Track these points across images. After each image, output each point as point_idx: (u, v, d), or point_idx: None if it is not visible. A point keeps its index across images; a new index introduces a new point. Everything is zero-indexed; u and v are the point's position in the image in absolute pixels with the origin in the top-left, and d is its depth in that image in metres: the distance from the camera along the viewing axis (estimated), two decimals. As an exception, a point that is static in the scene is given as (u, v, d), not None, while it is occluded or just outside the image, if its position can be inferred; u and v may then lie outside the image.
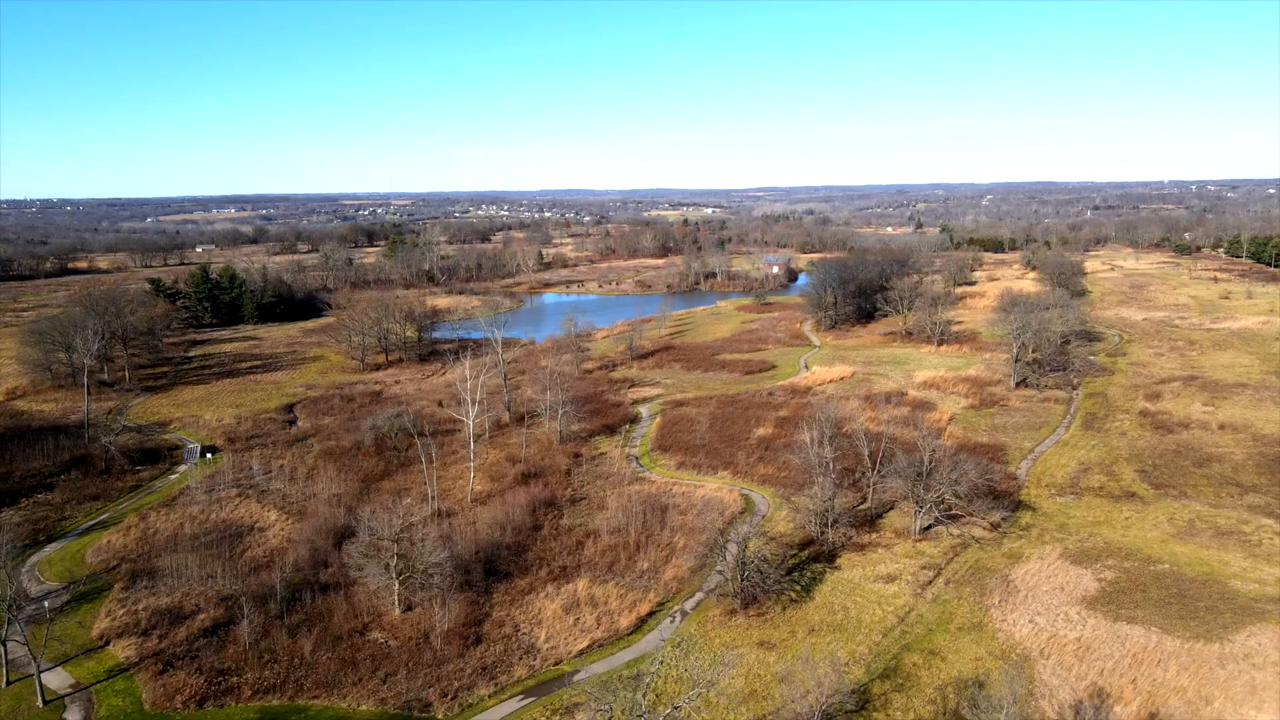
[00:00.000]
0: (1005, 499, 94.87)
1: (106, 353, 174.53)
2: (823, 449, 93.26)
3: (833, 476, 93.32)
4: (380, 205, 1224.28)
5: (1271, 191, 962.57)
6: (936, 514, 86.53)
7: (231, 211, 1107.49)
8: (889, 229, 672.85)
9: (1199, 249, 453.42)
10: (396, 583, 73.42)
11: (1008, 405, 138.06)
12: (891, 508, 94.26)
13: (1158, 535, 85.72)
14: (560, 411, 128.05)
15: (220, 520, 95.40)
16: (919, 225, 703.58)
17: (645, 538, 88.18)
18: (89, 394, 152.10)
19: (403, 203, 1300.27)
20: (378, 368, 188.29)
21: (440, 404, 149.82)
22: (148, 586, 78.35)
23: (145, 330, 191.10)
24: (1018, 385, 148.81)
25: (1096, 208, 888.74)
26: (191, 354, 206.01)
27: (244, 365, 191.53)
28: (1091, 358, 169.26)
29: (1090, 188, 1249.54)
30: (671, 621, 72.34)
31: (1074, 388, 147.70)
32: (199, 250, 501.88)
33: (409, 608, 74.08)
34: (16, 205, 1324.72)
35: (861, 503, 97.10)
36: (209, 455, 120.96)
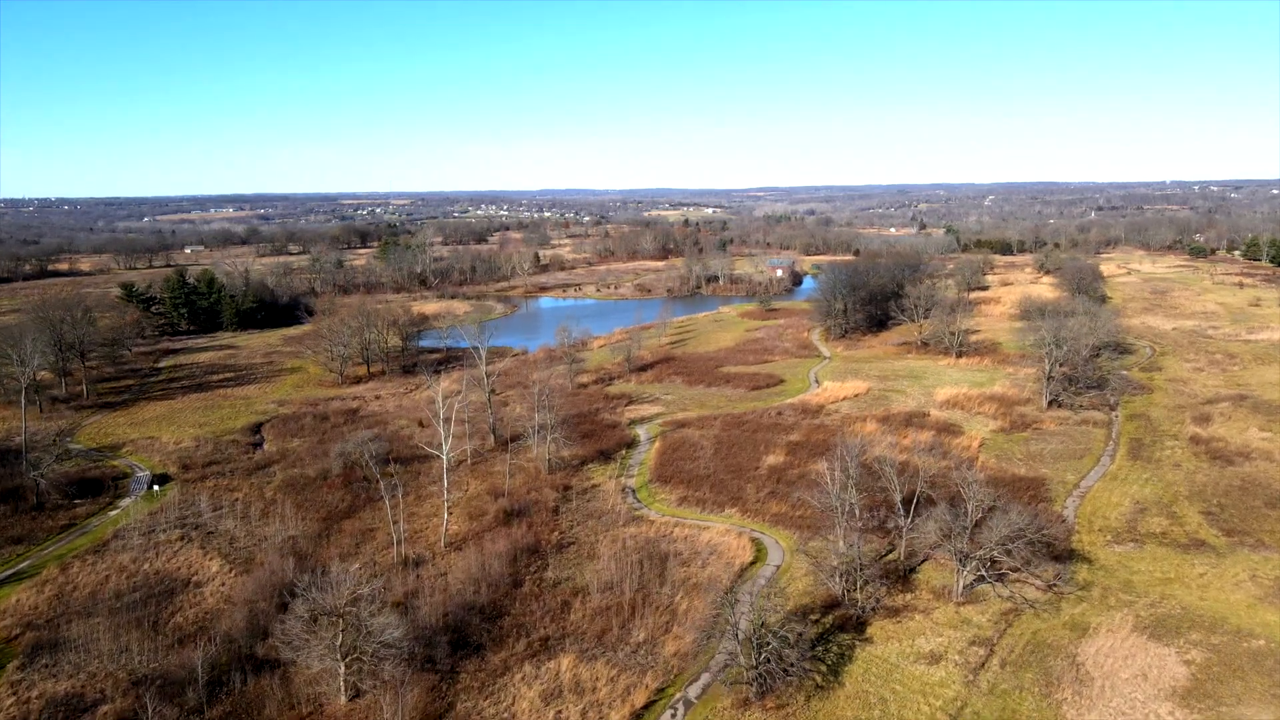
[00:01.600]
0: (1056, 547, 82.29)
1: (64, 366, 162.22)
2: (847, 492, 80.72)
3: (859, 523, 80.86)
4: (379, 205, 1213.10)
5: (1276, 192, 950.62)
6: (982, 571, 74.05)
7: (230, 211, 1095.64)
8: (892, 229, 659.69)
9: (1213, 251, 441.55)
10: (342, 665, 60.94)
11: (1041, 428, 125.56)
12: (925, 559, 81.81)
13: (1242, 598, 73.26)
14: (549, 437, 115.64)
15: (152, 573, 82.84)
16: (922, 226, 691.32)
17: (642, 598, 75.71)
18: (37, 412, 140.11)
19: (402, 202, 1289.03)
20: (358, 380, 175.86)
21: (421, 424, 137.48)
22: (48, 665, 65.85)
23: (106, 340, 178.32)
24: (1050, 405, 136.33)
25: (1100, 208, 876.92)
26: (161, 365, 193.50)
27: (215, 378, 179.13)
28: (1125, 373, 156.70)
29: (1092, 188, 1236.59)
30: (673, 715, 59.86)
31: (1112, 408, 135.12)
32: (187, 251, 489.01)
33: (357, 694, 61.63)
34: (14, 204, 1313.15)
35: (889, 551, 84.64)
36: (156, 487, 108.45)
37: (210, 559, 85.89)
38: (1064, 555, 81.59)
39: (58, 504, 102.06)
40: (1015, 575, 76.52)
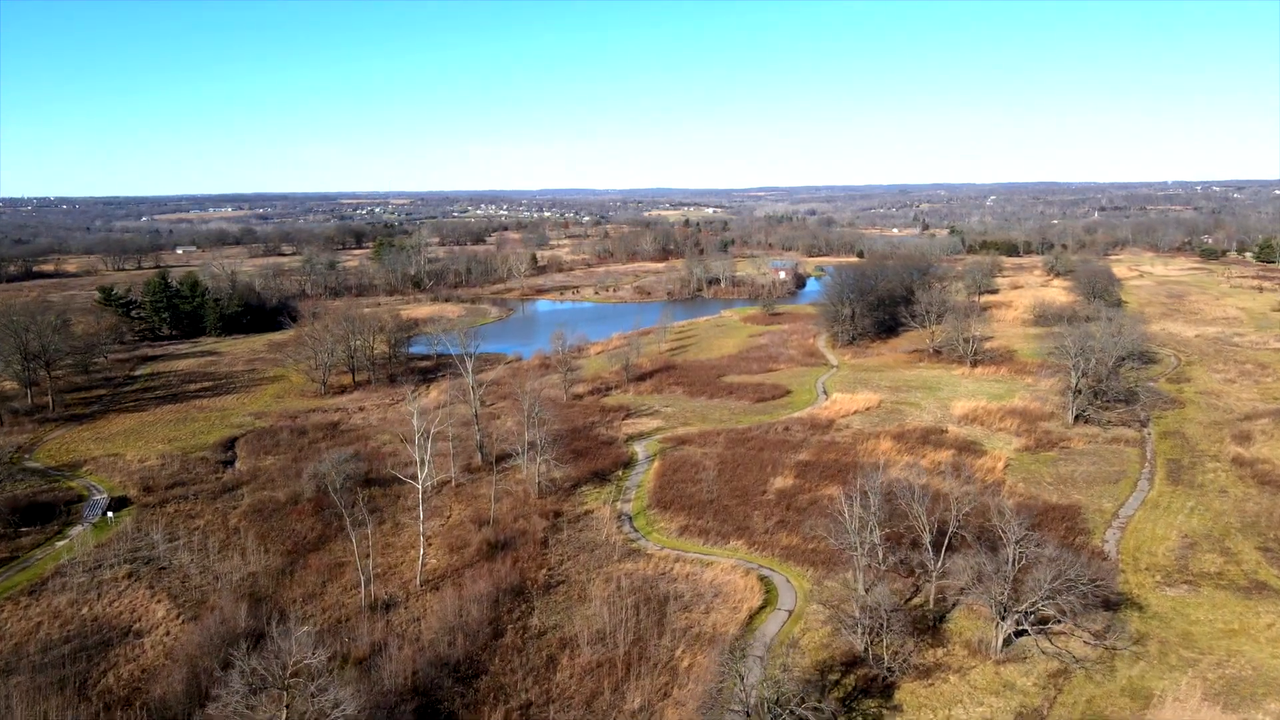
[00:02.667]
0: (1102, 590, 73.38)
1: (29, 375, 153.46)
2: (869, 533, 71.95)
3: (882, 566, 72.14)
4: (379, 204, 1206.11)
5: (1278, 192, 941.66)
6: (1024, 624, 65.27)
7: (228, 210, 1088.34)
8: (894, 230, 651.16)
9: (1224, 253, 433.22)
10: (287, 746, 52.20)
11: (1069, 448, 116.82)
12: (955, 605, 73.05)
13: (1320, 656, 64.49)
14: (540, 458, 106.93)
15: (90, 619, 74.06)
16: (925, 227, 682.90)
17: (637, 653, 66.95)
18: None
19: (401, 202, 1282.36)
20: (342, 390, 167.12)
21: (405, 439, 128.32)
22: (-49, 739, 57.22)
23: (77, 348, 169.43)
24: (1076, 420, 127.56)
25: (1103, 209, 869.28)
26: (137, 373, 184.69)
27: (192, 387, 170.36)
28: (1152, 384, 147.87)
29: (1094, 188, 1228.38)
30: (672, 807, 51.19)
31: (1143, 424, 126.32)
32: (179, 252, 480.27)
33: (306, 777, 52.85)
34: (13, 203, 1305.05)
35: (913, 594, 75.96)
36: (110, 514, 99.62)
37: (157, 601, 77.12)
38: (1112, 601, 72.79)
39: (1, 534, 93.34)
40: (1059, 625, 67.75)
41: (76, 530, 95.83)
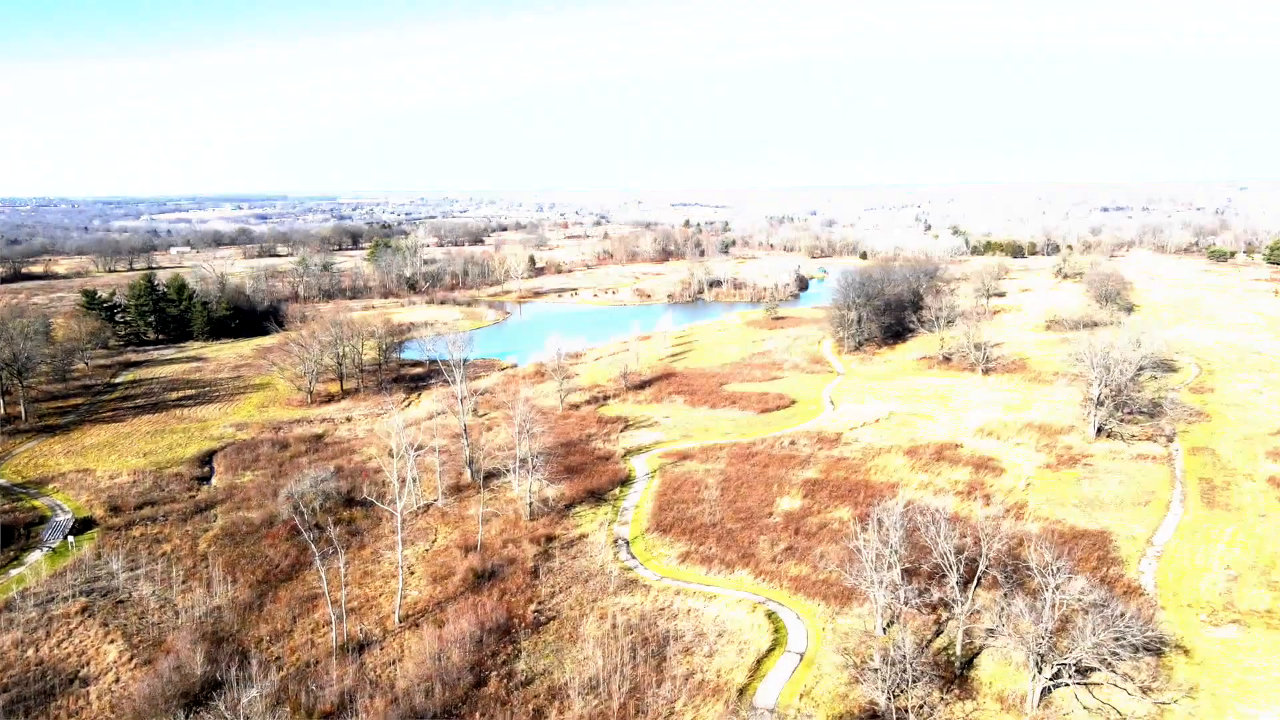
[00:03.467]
0: (1152, 638, 66.76)
1: (1, 384, 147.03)
2: (888, 570, 65.43)
3: (903, 608, 65.64)
4: (379, 204, 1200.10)
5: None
6: (1065, 678, 58.72)
7: (228, 210, 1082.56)
8: (896, 230, 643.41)
9: (1232, 255, 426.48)
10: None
11: (1093, 465, 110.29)
12: (982, 648, 66.51)
13: (1394, 713, 58.00)
14: (531, 477, 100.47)
15: (35, 663, 67.54)
16: (928, 227, 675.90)
17: (634, 705, 60.48)
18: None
19: (401, 202, 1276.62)
20: (329, 399, 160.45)
21: (391, 453, 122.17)
22: None
23: (53, 355, 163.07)
24: (1097, 434, 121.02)
25: (1105, 209, 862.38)
26: (118, 380, 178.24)
27: (174, 396, 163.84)
28: (1174, 394, 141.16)
29: (1095, 187, 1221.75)
30: None
31: (1169, 439, 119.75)
32: (172, 253, 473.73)
33: None
34: (11, 203, 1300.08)
35: (936, 634, 69.48)
36: (71, 538, 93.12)
37: (110, 641, 70.63)
38: (1154, 643, 66.22)
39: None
40: (1099, 673, 61.19)
41: (35, 555, 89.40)
